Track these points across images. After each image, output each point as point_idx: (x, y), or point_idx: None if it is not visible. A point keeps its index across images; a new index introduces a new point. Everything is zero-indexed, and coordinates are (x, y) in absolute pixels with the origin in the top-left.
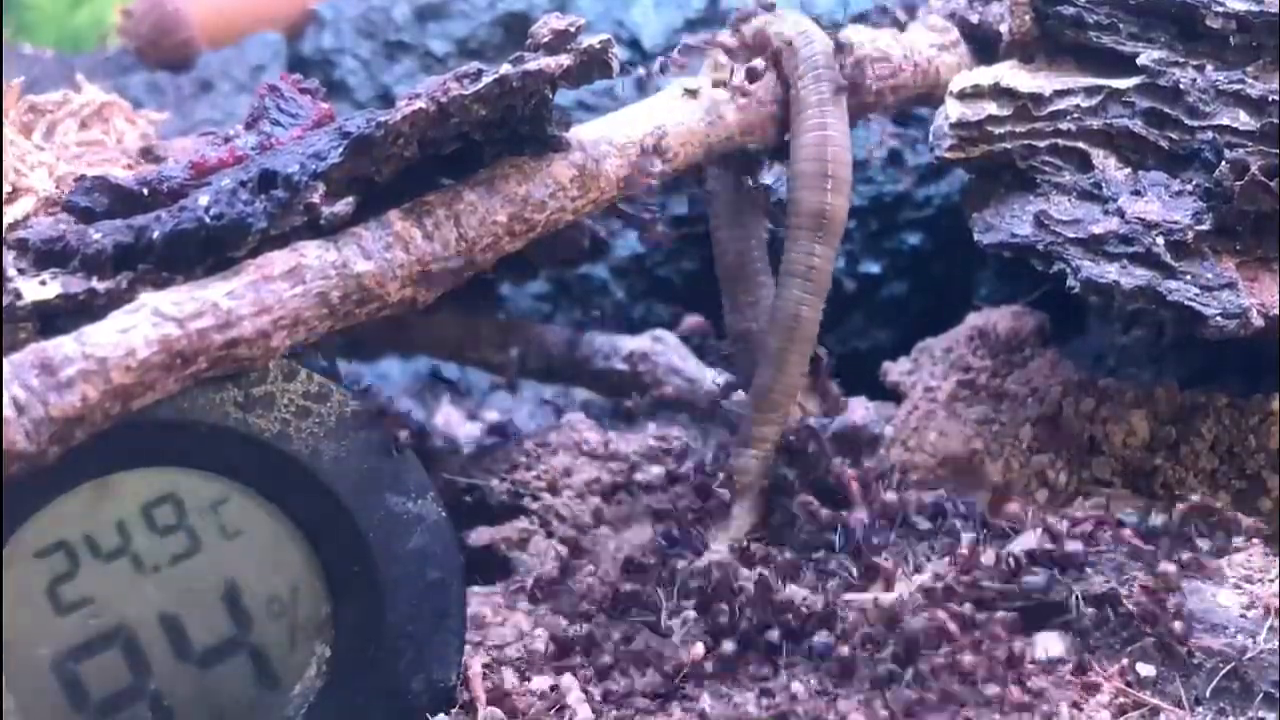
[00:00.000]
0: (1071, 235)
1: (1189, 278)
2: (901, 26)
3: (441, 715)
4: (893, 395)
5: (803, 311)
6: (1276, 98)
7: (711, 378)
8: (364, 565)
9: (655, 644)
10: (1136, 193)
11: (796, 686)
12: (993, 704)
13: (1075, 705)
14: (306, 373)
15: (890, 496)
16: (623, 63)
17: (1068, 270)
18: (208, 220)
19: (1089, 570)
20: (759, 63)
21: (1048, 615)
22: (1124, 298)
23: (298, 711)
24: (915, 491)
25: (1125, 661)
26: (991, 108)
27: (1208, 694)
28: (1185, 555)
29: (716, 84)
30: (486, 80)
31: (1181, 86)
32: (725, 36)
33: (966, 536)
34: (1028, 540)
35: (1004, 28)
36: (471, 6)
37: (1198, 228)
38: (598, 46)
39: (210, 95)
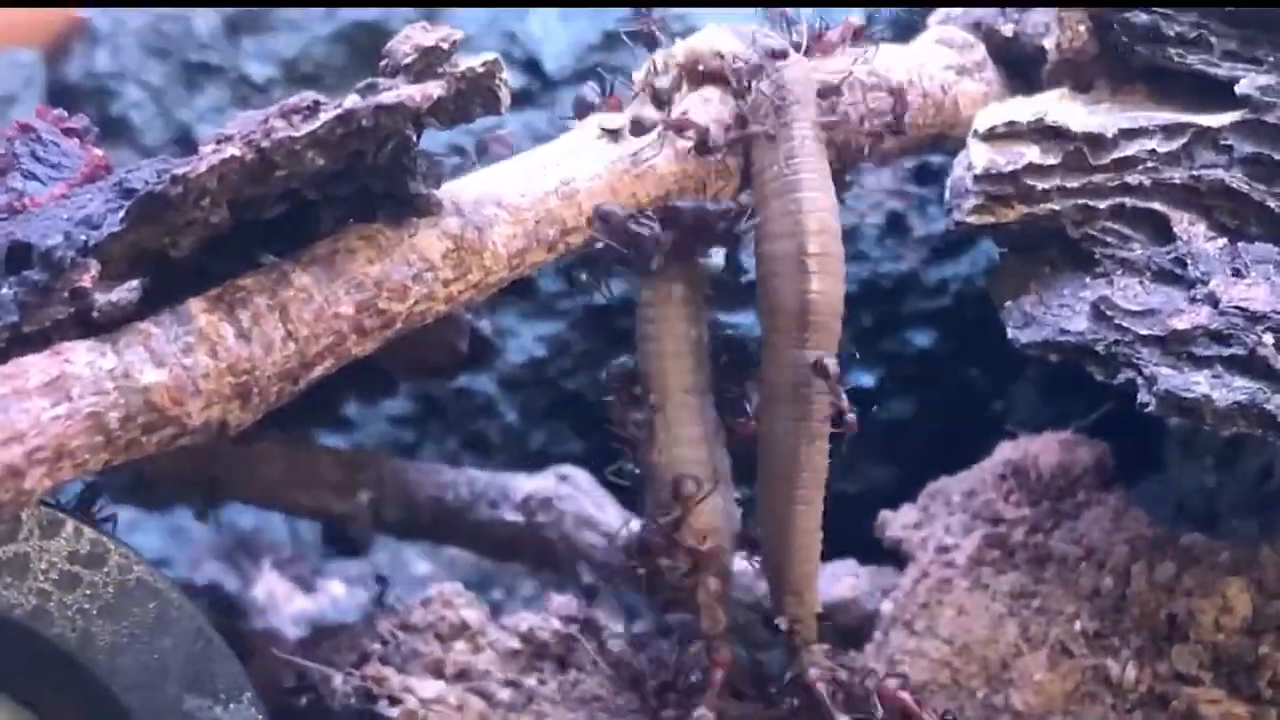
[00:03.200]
0: (1144, 331)
1: None
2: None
3: None
4: (893, 557)
5: (801, 448)
6: None
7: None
8: None
9: None
10: (1235, 272)
11: None
12: None
13: None
14: (75, 526)
15: None
16: (516, 92)
17: (1138, 381)
18: None
19: None
20: (703, 94)
21: None
22: (1218, 419)
23: None
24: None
25: None
26: (1032, 153)
27: None
28: None
29: (636, 129)
30: (325, 117)
31: None
32: (655, 61)
33: None
34: None
35: (1049, 43)
36: (304, 15)
37: None
38: (481, 70)
39: None
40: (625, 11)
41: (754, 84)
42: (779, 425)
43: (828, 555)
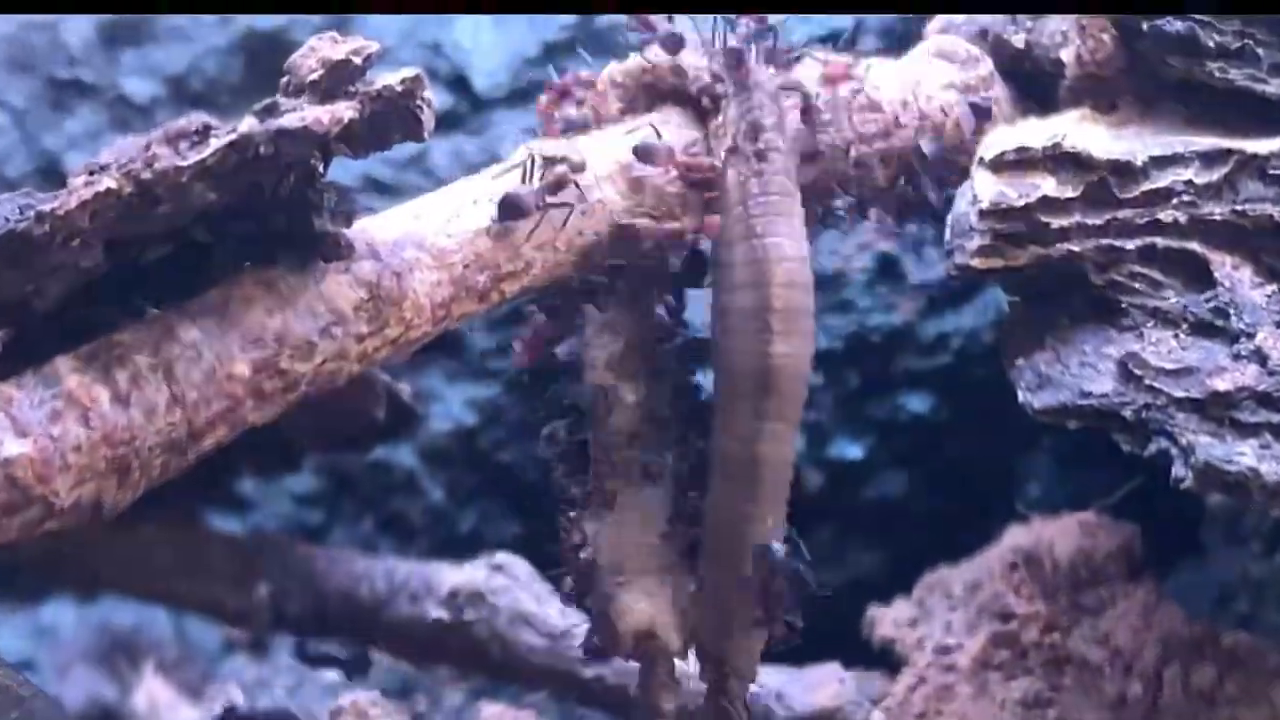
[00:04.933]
0: (1180, 393)
1: None
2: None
3: None
4: (885, 660)
5: (747, 535)
6: None
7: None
8: None
9: None
10: None
11: None
12: None
13: None
14: None
15: None
16: (441, 114)
17: (1173, 451)
18: None
19: None
20: (661, 116)
21: None
22: (1266, 496)
23: None
24: None
25: None
26: (1048, 185)
27: None
28: None
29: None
30: (217, 144)
31: None
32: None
33: None
34: None
35: (1068, 56)
36: (192, 24)
37: None
38: (399, 88)
39: None
40: (569, 19)
41: (721, 105)
42: (725, 507)
43: (806, 658)
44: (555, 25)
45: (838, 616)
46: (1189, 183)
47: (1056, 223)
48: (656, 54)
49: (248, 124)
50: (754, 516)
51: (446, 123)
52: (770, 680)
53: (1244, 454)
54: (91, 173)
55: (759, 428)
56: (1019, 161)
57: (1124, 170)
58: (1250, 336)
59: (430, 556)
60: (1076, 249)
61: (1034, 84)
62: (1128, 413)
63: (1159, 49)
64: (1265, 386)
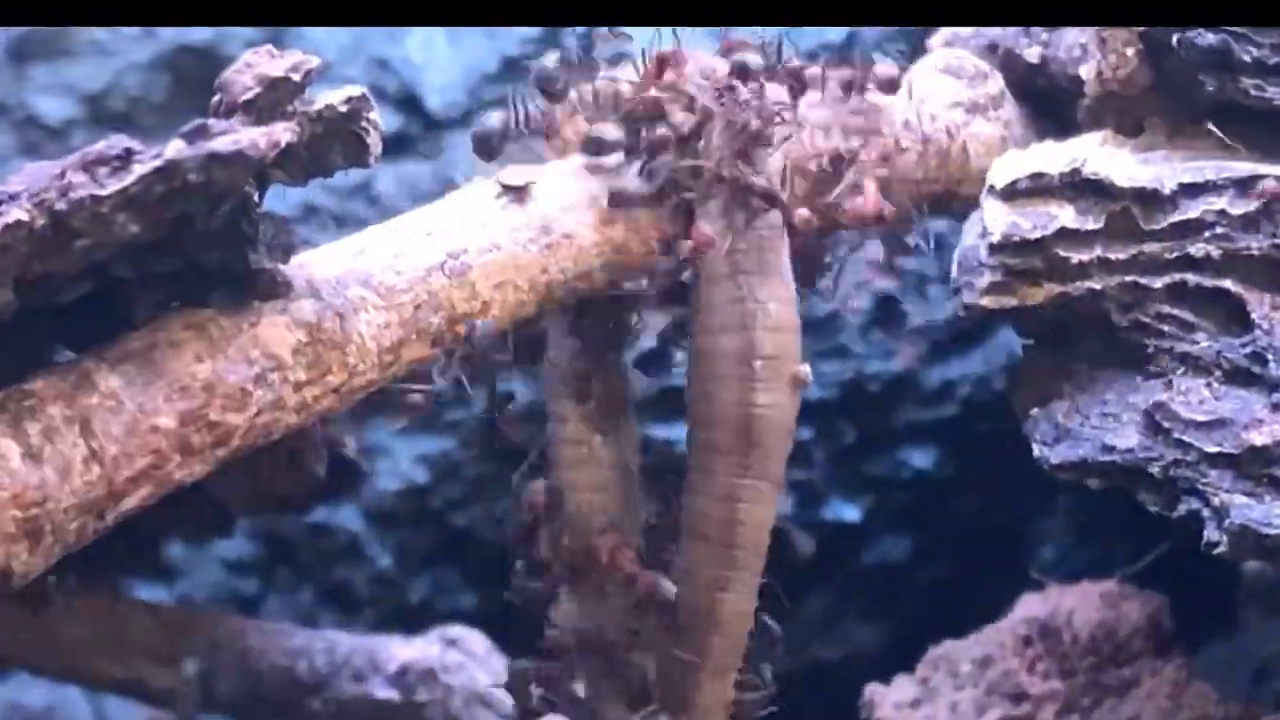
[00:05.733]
0: (1212, 448)
1: None
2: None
3: None
4: None
5: (722, 601)
6: None
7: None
8: None
9: None
10: None
11: None
12: None
13: None
14: None
15: None
16: (390, 137)
17: (1205, 513)
18: None
19: None
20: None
21: None
22: None
23: None
24: None
25: None
26: (1066, 215)
27: None
28: None
29: (593, 147)
30: (141, 170)
31: None
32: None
33: None
34: None
35: (1087, 72)
36: (112, 36)
37: None
38: (343, 108)
39: None
40: (531, 32)
41: (704, 131)
42: (701, 570)
43: None
44: (516, 39)
45: (832, 696)
46: (1222, 213)
47: (1075, 257)
48: (632, 74)
49: (175, 148)
50: (728, 584)
51: (395, 146)
52: None
53: None
54: (1, 204)
55: (739, 486)
56: (1033, 189)
57: (1150, 199)
58: None
59: (377, 630)
60: (1098, 286)
61: (1050, 103)
62: (1154, 469)
63: (1189, 64)
64: None
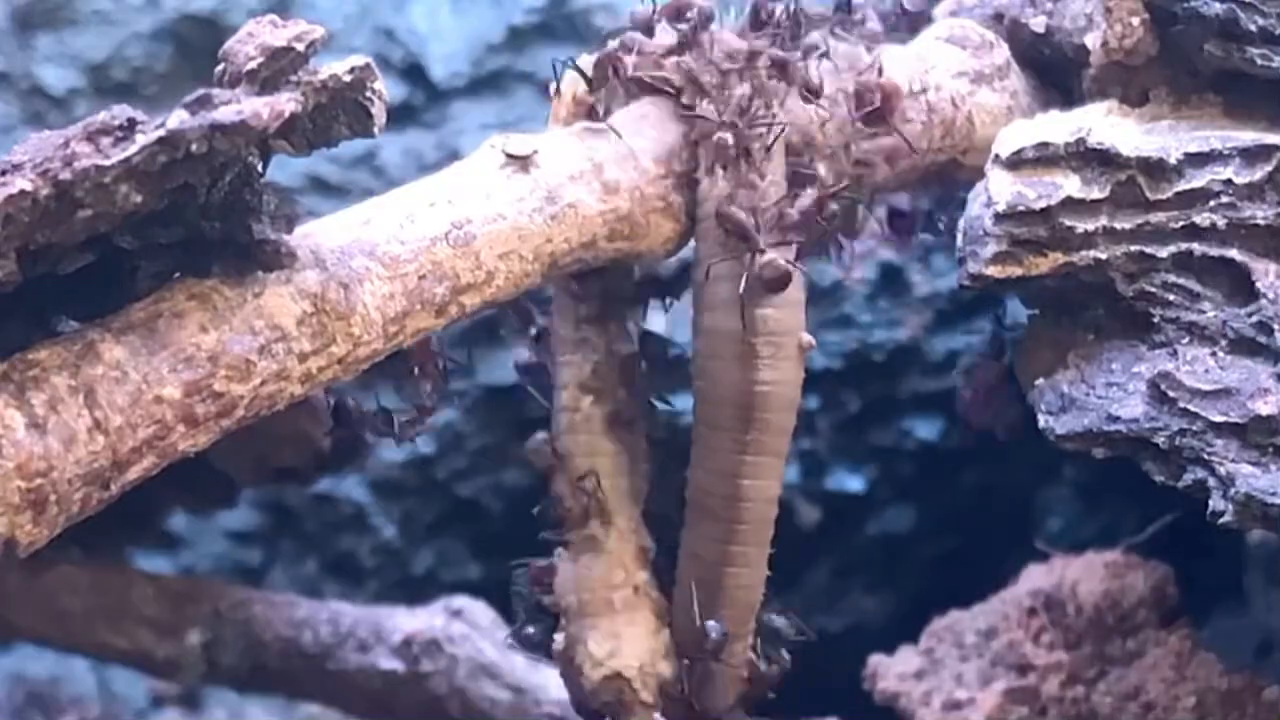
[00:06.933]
0: (1218, 418)
1: None
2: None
3: None
4: (888, 715)
5: (728, 576)
6: None
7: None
8: None
9: None
10: None
11: None
12: None
13: None
14: None
15: None
16: (395, 107)
17: (1211, 482)
18: None
19: None
20: (640, 110)
21: None
22: None
23: None
24: None
25: None
26: (1071, 185)
27: None
28: None
29: None
30: (144, 140)
31: None
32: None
33: None
34: None
35: (1093, 41)
36: (116, 6)
37: None
38: (347, 78)
39: None
40: (537, 2)
41: (706, 98)
42: (704, 545)
43: (801, 714)
44: (521, 8)
45: (837, 667)
46: (1228, 182)
47: (1081, 227)
48: (633, 40)
49: (178, 118)
50: (734, 559)
51: (400, 116)
52: None
53: None
54: (3, 173)
55: (741, 461)
56: (1039, 159)
57: (1156, 169)
58: None
59: (381, 601)
60: (1103, 256)
61: (1055, 73)
62: (1160, 439)
63: (1195, 33)
64: None
